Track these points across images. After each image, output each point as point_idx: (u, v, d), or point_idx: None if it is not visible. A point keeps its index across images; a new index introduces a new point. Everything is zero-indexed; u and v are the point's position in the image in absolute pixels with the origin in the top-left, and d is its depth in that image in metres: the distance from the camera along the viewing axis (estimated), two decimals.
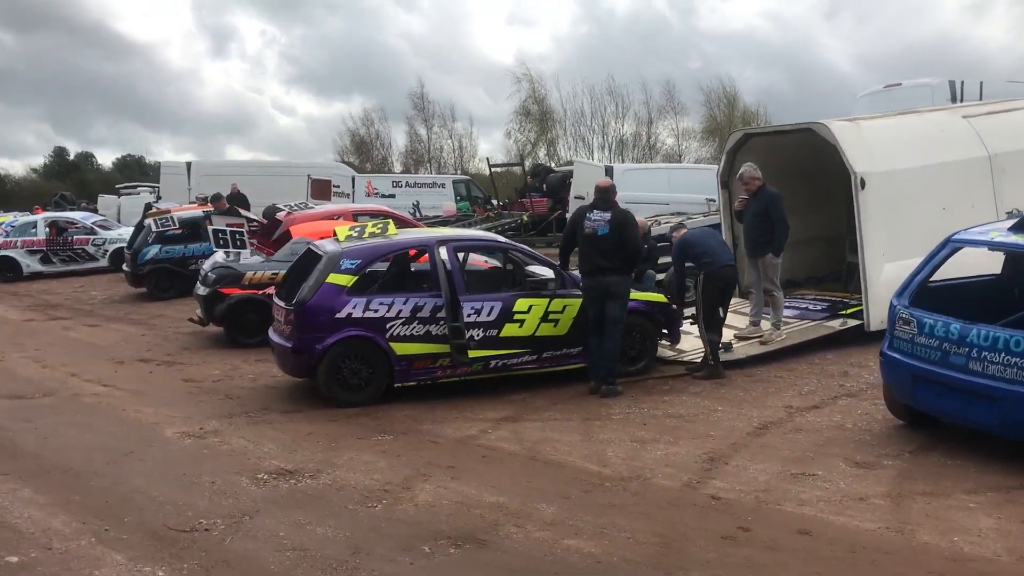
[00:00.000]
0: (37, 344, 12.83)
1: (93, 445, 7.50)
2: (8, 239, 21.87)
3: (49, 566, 4.97)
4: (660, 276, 12.56)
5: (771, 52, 62.44)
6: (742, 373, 9.41)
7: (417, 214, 23.82)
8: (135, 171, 61.38)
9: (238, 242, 12.29)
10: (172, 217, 17.30)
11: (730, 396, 8.61)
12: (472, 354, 8.70)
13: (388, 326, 8.58)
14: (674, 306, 9.75)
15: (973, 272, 7.79)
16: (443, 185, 29.05)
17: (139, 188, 37.18)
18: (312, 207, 16.69)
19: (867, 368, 9.30)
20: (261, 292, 11.91)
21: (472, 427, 7.86)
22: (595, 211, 8.85)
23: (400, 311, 8.62)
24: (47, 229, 22.18)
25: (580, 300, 9.06)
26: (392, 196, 27.04)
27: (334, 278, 8.60)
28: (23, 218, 24.00)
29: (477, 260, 11.01)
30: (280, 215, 16.23)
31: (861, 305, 10.33)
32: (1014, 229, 6.67)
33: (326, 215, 15.23)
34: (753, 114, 43.25)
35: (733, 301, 9.95)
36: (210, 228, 12.55)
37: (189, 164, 30.13)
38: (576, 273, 9.34)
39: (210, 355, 11.55)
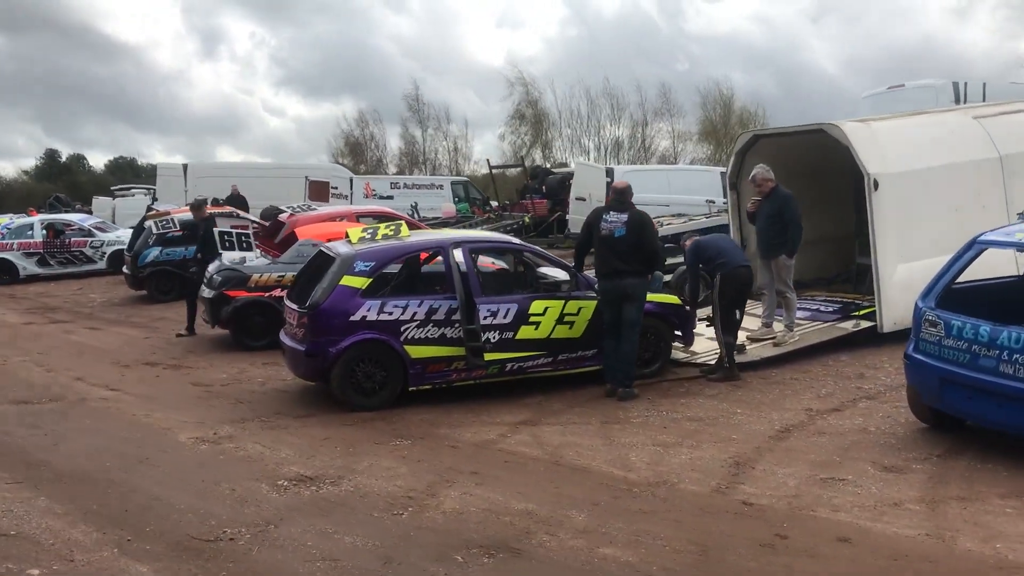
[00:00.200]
0: (39, 348, 12.68)
1: (105, 451, 7.36)
2: (5, 241, 21.68)
3: None
4: (667, 277, 12.53)
5: (758, 55, 62.63)
6: (757, 375, 9.33)
7: (415, 215, 23.71)
8: (127, 173, 61.09)
9: (244, 244, 12.15)
10: (173, 219, 17.16)
11: (748, 399, 8.53)
12: (488, 357, 8.61)
13: (403, 329, 8.48)
14: (687, 308, 9.67)
15: (982, 274, 7.71)
16: (441, 186, 28.97)
17: (133, 190, 36.95)
18: (315, 209, 16.56)
19: (883, 370, 9.25)
20: (268, 294, 11.80)
21: (490, 431, 7.76)
22: (612, 212, 8.76)
23: (415, 313, 8.52)
24: (44, 231, 22.00)
25: (595, 302, 8.98)
26: (390, 197, 26.94)
27: (348, 280, 8.49)
28: (19, 220, 23.77)
29: (484, 262, 10.91)
30: (282, 216, 16.13)
31: (873, 306, 10.26)
32: None
33: (329, 217, 15.13)
34: (751, 115, 43.25)
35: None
36: (215, 231, 12.38)
37: (185, 166, 29.92)
38: (590, 274, 9.26)
39: (216, 358, 11.42)
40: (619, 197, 8.82)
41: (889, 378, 8.89)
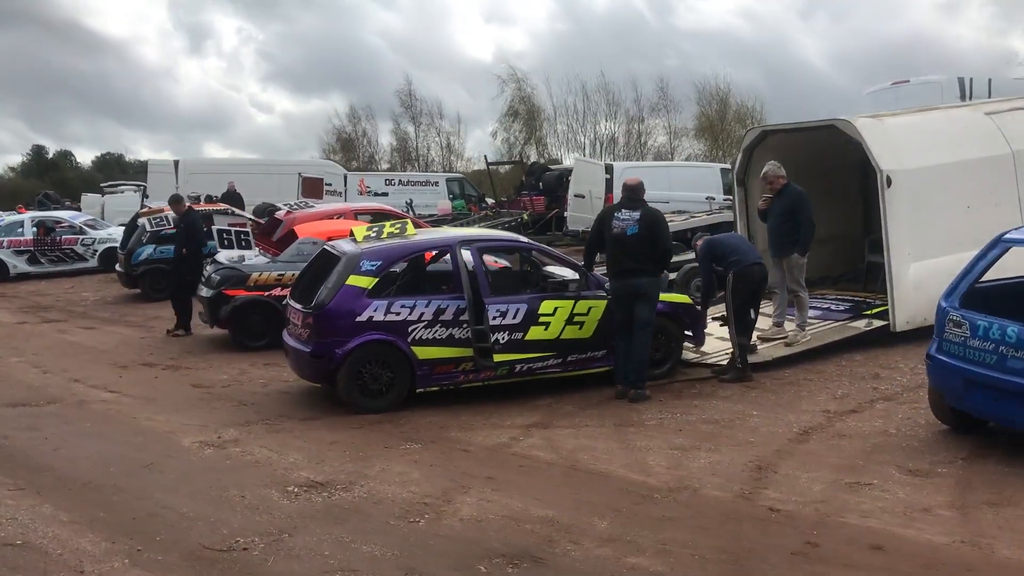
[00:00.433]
0: (33, 348, 12.44)
1: (108, 456, 7.16)
2: None
3: None
4: (672, 276, 12.40)
5: (748, 51, 62.37)
6: (769, 375, 9.19)
7: (411, 212, 23.50)
8: (115, 169, 60.46)
9: (243, 242, 11.94)
10: (166, 216, 16.85)
11: (762, 400, 8.39)
12: (497, 358, 8.44)
13: (410, 329, 8.30)
14: (698, 307, 9.53)
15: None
16: (436, 183, 28.75)
17: (122, 187, 36.53)
18: (312, 206, 16.34)
19: (897, 370, 9.12)
20: (267, 294, 11.60)
21: (502, 434, 7.59)
22: (623, 210, 8.59)
23: (422, 314, 8.34)
24: (34, 229, 21.68)
25: (605, 302, 8.82)
26: (385, 194, 26.71)
27: (354, 280, 8.31)
28: (9, 217, 23.44)
29: (487, 260, 10.72)
30: (279, 214, 15.92)
31: (885, 305, 10.14)
32: None
33: (328, 214, 14.91)
34: (748, 111, 43.08)
35: None
36: (214, 229, 12.17)
37: (177, 162, 29.60)
38: (599, 273, 9.11)
39: (215, 359, 11.21)
40: (631, 194, 8.65)
41: (905, 378, 8.76)
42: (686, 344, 9.56)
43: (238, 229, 12.31)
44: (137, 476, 6.60)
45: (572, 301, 8.79)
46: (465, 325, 8.39)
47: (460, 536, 5.36)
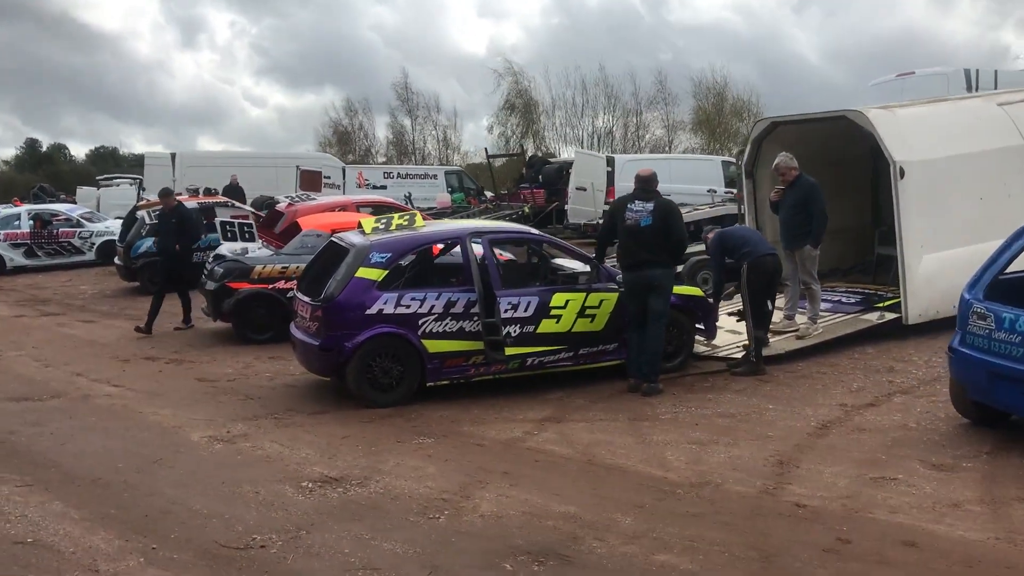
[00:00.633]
0: (34, 341, 12.28)
1: (116, 451, 7.02)
2: None
3: None
4: (679, 268, 12.28)
5: (744, 45, 62.22)
6: (782, 369, 9.09)
7: (409, 206, 23.33)
8: (109, 163, 60.09)
9: (246, 235, 11.79)
10: None
11: (777, 394, 8.28)
12: (509, 351, 8.32)
13: (420, 322, 8.17)
14: (711, 300, 9.42)
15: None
16: (435, 176, 28.58)
17: (118, 180, 36.26)
18: (313, 199, 16.17)
19: (912, 363, 9.03)
20: (271, 286, 11.46)
21: (515, 428, 7.47)
22: (636, 202, 8.47)
23: (433, 307, 8.21)
24: (31, 222, 21.47)
25: (616, 294, 8.71)
26: (384, 187, 26.54)
27: (364, 272, 8.18)
28: (5, 210, 23.21)
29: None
30: (280, 206, 15.76)
31: (897, 298, 10.04)
32: None
33: (331, 207, 14.76)
34: (745, 104, 42.94)
35: None
36: (217, 221, 12.01)
37: (174, 155, 29.37)
38: (610, 265, 8.99)
39: (219, 352, 11.07)
40: (644, 185, 8.53)
41: (920, 371, 8.67)
42: (696, 337, 9.46)
43: (241, 221, 12.14)
44: (147, 472, 6.47)
45: (584, 294, 8.68)
46: (476, 318, 8.27)
47: (482, 533, 5.24)
